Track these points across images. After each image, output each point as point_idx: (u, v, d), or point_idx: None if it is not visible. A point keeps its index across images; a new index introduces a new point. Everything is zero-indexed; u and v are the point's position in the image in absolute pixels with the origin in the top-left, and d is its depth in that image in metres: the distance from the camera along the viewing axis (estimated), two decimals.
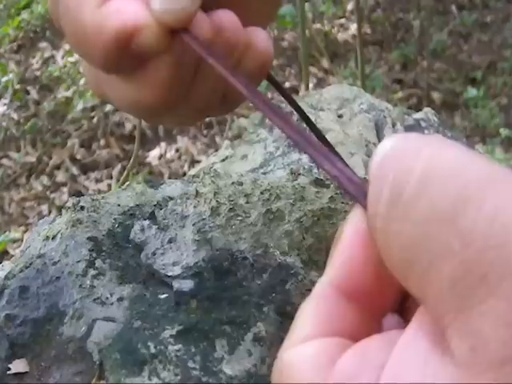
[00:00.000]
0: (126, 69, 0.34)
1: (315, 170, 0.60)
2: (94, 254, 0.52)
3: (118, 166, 2.29)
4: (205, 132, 2.41)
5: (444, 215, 0.17)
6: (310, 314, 0.22)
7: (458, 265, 0.17)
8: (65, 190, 2.28)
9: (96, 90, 0.38)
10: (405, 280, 0.19)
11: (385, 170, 0.19)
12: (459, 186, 0.17)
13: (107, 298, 0.49)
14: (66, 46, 2.76)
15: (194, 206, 0.54)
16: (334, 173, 0.23)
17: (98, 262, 0.51)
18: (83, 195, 0.61)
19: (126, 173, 1.54)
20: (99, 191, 2.19)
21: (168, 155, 2.34)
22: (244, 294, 0.48)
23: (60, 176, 2.32)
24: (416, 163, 0.18)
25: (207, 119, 2.41)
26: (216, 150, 0.82)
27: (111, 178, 2.28)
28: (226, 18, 0.34)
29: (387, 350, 0.19)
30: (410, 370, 0.18)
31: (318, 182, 0.58)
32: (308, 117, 0.43)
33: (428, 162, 0.18)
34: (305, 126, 0.43)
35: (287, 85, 2.51)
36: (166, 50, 0.32)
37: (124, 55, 0.32)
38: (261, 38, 0.36)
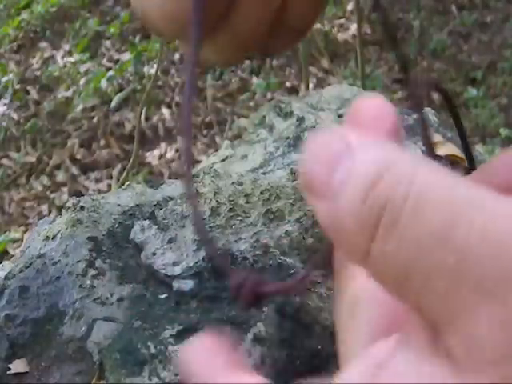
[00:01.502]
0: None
1: None
2: (94, 254, 0.52)
3: (118, 166, 2.29)
4: (205, 132, 2.41)
5: (438, 235, 0.18)
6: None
7: (453, 278, 0.18)
8: (65, 190, 2.28)
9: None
10: (400, 295, 0.20)
11: (378, 198, 0.20)
12: (450, 209, 0.18)
13: (107, 298, 0.49)
14: (66, 46, 2.76)
15: None
16: None
17: (98, 262, 0.51)
18: (83, 195, 0.61)
19: (125, 173, 1.54)
20: (99, 191, 2.19)
21: (168, 155, 2.34)
22: None
23: (60, 176, 2.32)
24: (411, 188, 0.19)
25: (207, 119, 2.41)
26: (216, 150, 0.82)
27: (111, 178, 2.28)
28: None
29: (387, 350, 0.20)
30: (408, 369, 0.19)
31: None
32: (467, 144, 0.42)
33: (421, 187, 0.19)
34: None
35: (287, 85, 2.51)
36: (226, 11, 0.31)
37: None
38: None
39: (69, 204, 0.57)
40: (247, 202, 0.54)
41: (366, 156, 0.20)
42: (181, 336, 0.46)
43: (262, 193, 0.56)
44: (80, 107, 2.47)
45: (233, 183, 0.57)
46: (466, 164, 0.72)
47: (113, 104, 2.40)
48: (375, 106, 0.23)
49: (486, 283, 0.18)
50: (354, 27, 2.62)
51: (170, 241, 0.52)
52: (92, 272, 0.51)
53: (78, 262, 0.51)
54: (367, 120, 0.23)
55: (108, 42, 2.75)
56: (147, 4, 0.31)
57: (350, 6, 2.78)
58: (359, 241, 0.20)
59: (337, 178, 0.20)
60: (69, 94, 2.54)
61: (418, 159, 0.20)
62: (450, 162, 0.72)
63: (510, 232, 0.18)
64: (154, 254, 0.51)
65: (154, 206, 0.56)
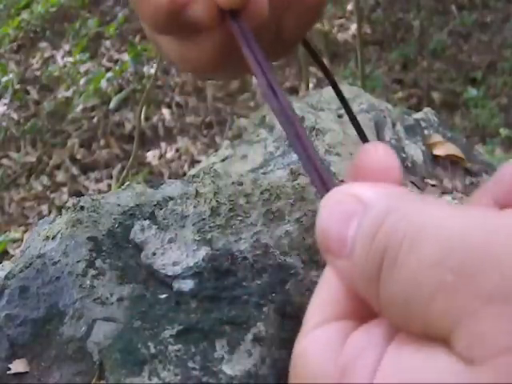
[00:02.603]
0: (177, 32, 0.36)
1: None
2: (94, 254, 0.52)
3: (118, 166, 2.29)
4: (205, 132, 2.41)
5: (436, 261, 0.20)
6: (319, 301, 0.24)
7: (451, 293, 0.19)
8: (65, 190, 2.28)
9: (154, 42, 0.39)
10: (405, 324, 0.21)
11: (378, 248, 0.21)
12: (444, 239, 0.20)
13: (107, 298, 0.49)
14: (66, 46, 2.76)
15: (194, 206, 0.54)
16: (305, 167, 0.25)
17: (98, 262, 0.51)
18: (83, 195, 0.61)
19: (125, 173, 1.54)
20: (99, 191, 2.19)
21: (168, 155, 2.34)
22: (244, 294, 0.48)
23: (60, 176, 2.32)
24: (406, 229, 0.21)
25: (207, 119, 2.41)
26: (216, 150, 0.82)
27: (111, 177, 2.28)
28: None
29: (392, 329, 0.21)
30: (412, 358, 0.20)
31: None
32: (343, 97, 0.44)
33: (414, 227, 0.21)
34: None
35: (287, 85, 2.51)
36: (215, 26, 0.34)
37: (174, 22, 0.34)
38: None
39: (69, 204, 0.57)
40: (247, 202, 0.54)
41: (371, 212, 0.22)
42: (181, 336, 0.46)
43: (262, 193, 0.56)
44: (80, 107, 2.48)
45: (233, 183, 0.57)
46: (466, 164, 0.72)
47: (112, 104, 2.41)
48: (380, 159, 0.25)
49: (484, 290, 0.19)
50: (354, 27, 2.63)
51: (170, 241, 0.52)
52: (92, 272, 0.51)
53: (78, 261, 0.51)
54: (374, 174, 0.24)
55: (108, 42, 2.75)
56: None
57: (350, 6, 2.79)
58: (371, 291, 0.21)
59: (349, 236, 0.22)
60: (69, 93, 2.54)
61: (416, 200, 0.22)
62: (450, 161, 0.72)
63: (505, 244, 0.19)
64: (154, 253, 0.51)
65: (154, 205, 0.56)
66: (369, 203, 0.22)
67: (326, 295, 0.24)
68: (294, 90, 2.44)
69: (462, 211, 0.21)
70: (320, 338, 0.22)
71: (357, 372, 0.21)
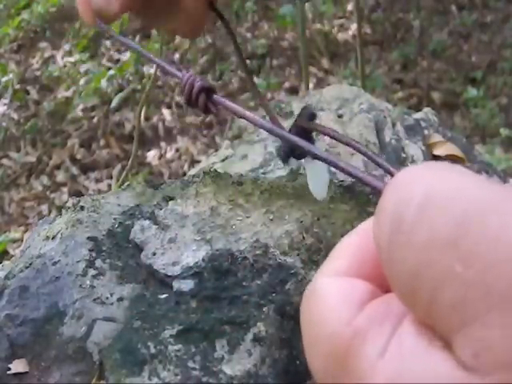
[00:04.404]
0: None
1: None
2: (94, 254, 0.52)
3: (118, 166, 2.29)
4: (205, 132, 2.41)
5: (445, 240, 0.17)
6: (350, 249, 0.22)
7: (460, 286, 0.17)
8: (65, 190, 2.28)
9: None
10: (411, 306, 0.19)
11: (385, 201, 0.19)
12: (459, 210, 0.17)
13: (107, 298, 0.49)
14: (66, 46, 2.76)
15: (194, 206, 0.54)
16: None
17: (98, 262, 0.51)
18: (83, 195, 0.61)
19: (125, 173, 1.54)
20: (99, 191, 2.19)
21: (168, 155, 2.34)
22: (244, 294, 0.48)
23: (60, 176, 2.32)
24: (416, 190, 0.18)
25: (207, 119, 2.41)
26: (216, 150, 0.82)
27: (111, 178, 2.28)
28: None
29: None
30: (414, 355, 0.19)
31: None
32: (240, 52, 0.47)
33: (427, 188, 0.18)
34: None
35: (287, 85, 2.51)
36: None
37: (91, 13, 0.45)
38: None
39: (69, 204, 0.57)
40: (247, 202, 0.54)
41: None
42: (181, 336, 0.46)
43: (261, 193, 0.56)
44: (80, 107, 2.47)
45: (233, 183, 0.57)
46: (466, 164, 0.72)
47: (114, 103, 2.41)
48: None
49: (493, 292, 0.17)
50: (354, 27, 2.62)
51: (170, 241, 0.52)
52: (92, 272, 0.50)
53: (78, 261, 0.51)
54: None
55: (108, 42, 2.75)
56: None
57: (350, 6, 2.78)
58: (383, 262, 0.19)
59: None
60: (69, 93, 2.54)
61: (433, 163, 0.20)
62: (450, 162, 0.72)
63: None
64: (154, 253, 0.51)
65: (154, 206, 0.56)
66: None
67: (360, 247, 0.22)
68: (294, 90, 2.44)
69: (487, 185, 0.18)
70: (342, 288, 0.21)
71: (367, 346, 0.19)
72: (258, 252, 0.50)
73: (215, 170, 0.61)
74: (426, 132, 0.75)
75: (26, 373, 0.47)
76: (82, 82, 2.53)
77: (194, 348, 0.45)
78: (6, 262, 0.58)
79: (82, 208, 0.56)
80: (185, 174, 0.75)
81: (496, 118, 2.31)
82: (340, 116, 0.72)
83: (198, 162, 2.12)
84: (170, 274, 0.49)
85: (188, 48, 2.57)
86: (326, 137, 0.41)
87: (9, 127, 2.48)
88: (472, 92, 2.39)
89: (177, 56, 2.59)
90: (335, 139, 0.37)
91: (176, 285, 0.49)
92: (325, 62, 2.50)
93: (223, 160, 0.71)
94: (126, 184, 0.61)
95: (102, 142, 2.39)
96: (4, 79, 2.64)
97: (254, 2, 2.70)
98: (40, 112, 2.52)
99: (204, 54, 2.62)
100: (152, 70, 2.40)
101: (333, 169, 0.31)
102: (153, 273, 0.50)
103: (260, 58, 2.59)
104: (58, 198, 2.25)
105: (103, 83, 2.48)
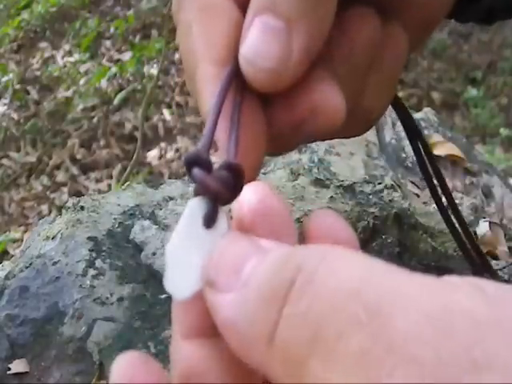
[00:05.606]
0: None
1: (315, 170, 0.60)
2: (94, 254, 0.52)
3: (118, 166, 2.29)
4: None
5: (349, 290, 0.17)
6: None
7: (365, 336, 0.17)
8: (65, 190, 2.28)
9: None
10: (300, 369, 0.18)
11: (290, 268, 0.19)
12: (359, 271, 0.18)
13: (107, 298, 0.49)
14: (66, 46, 2.76)
15: None
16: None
17: (98, 262, 0.51)
18: (83, 195, 0.61)
19: (128, 171, 1.53)
20: (99, 191, 2.19)
21: (168, 155, 2.34)
22: None
23: (60, 176, 2.32)
24: (322, 258, 0.19)
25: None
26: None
27: (111, 177, 2.28)
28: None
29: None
30: None
31: (317, 182, 0.58)
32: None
33: (332, 258, 0.19)
34: None
35: None
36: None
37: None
38: (330, 101, 0.29)
39: (69, 204, 0.57)
40: None
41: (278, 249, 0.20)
42: None
43: None
44: (80, 107, 2.47)
45: None
46: (466, 164, 0.72)
47: (116, 101, 2.41)
48: (329, 223, 0.23)
49: (398, 345, 0.16)
50: None
51: None
52: (92, 272, 0.51)
53: (78, 261, 0.51)
54: (324, 236, 0.22)
55: (108, 42, 2.75)
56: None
57: None
58: (266, 321, 0.19)
59: (245, 272, 0.20)
60: (69, 93, 2.54)
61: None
62: (450, 161, 0.72)
63: (418, 290, 0.17)
64: (154, 253, 0.51)
65: (154, 205, 0.56)
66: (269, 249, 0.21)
67: None
68: None
69: (380, 267, 0.18)
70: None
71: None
72: None
73: None
74: (426, 132, 0.75)
75: (26, 373, 0.47)
76: (81, 81, 2.53)
77: None
78: (5, 262, 0.58)
79: (82, 208, 0.56)
80: (185, 174, 0.75)
81: (496, 118, 2.31)
82: None
83: None
84: None
85: None
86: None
87: (9, 127, 2.48)
88: (472, 92, 2.39)
89: (177, 56, 2.59)
90: None
91: None
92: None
93: None
94: (126, 184, 0.62)
95: (102, 142, 2.39)
96: (4, 79, 2.64)
97: None
98: (40, 112, 2.52)
99: None
100: (152, 70, 2.40)
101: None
102: (153, 273, 0.50)
103: None
104: (57, 198, 2.25)
105: (103, 83, 2.48)
